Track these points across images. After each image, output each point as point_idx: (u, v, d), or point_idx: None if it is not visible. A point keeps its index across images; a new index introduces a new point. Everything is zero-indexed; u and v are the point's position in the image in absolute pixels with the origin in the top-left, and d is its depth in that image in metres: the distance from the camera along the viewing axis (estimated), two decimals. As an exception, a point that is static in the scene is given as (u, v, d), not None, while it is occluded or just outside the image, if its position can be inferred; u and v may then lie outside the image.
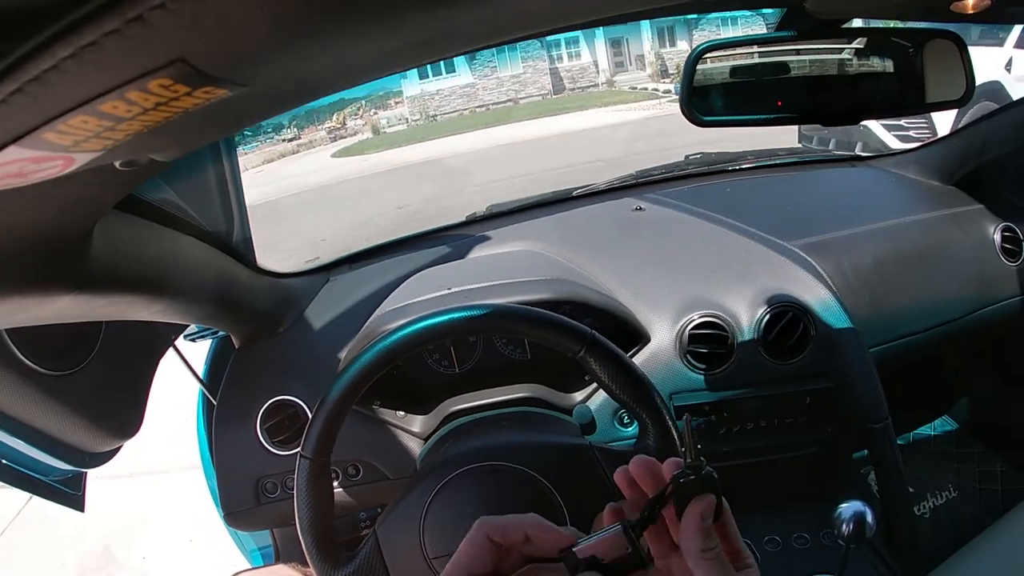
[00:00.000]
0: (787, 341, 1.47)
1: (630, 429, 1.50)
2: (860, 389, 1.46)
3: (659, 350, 1.48)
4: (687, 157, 2.27)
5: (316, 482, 0.95)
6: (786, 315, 1.47)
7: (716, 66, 1.12)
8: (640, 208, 1.86)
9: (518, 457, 0.97)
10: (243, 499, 1.42)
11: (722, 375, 1.47)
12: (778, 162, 2.16)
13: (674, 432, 0.97)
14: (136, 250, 0.86)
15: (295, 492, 0.95)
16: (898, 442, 2.17)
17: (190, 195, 1.36)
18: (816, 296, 1.51)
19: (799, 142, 5.94)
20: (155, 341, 1.38)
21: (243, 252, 1.44)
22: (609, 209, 1.93)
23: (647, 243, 1.72)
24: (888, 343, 1.65)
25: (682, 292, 1.52)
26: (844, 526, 1.16)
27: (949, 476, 2.12)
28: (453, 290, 1.43)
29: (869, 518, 1.16)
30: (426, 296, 1.43)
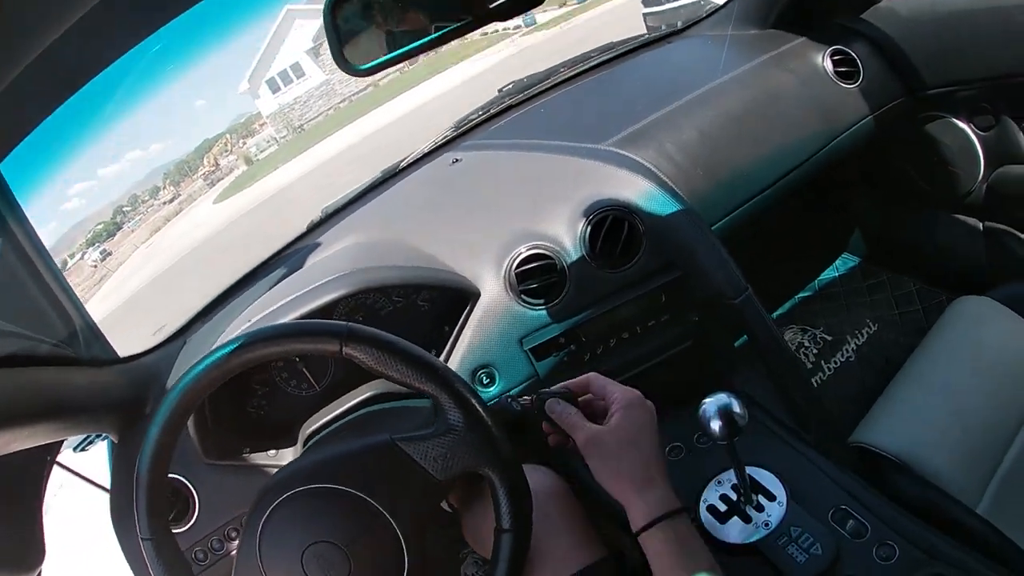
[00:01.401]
0: (617, 246, 1.32)
1: (491, 388, 1.36)
2: (707, 268, 1.30)
3: (492, 301, 1.33)
4: (500, 91, 2.08)
5: (165, 559, 0.89)
6: (606, 220, 1.31)
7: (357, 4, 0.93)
8: (457, 160, 1.70)
9: (321, 475, 0.86)
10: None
11: (563, 302, 1.32)
12: (590, 65, 1.98)
13: (468, 397, 0.85)
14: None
15: (151, 574, 0.89)
16: (805, 293, 2.05)
17: (6, 313, 1.23)
18: (636, 190, 1.35)
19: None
20: (29, 469, 1.28)
21: (82, 350, 1.33)
22: (428, 171, 1.77)
23: (463, 194, 1.57)
24: (736, 209, 1.50)
25: (501, 234, 1.37)
26: (713, 425, 1.00)
27: (865, 312, 1.97)
28: (254, 319, 1.29)
29: (736, 408, 1.00)
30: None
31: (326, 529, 0.83)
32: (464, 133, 1.86)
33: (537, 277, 1.30)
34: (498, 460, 0.83)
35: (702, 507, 1.17)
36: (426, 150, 1.85)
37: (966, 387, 1.42)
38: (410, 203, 1.67)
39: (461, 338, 1.32)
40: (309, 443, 1.27)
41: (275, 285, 1.52)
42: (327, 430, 1.27)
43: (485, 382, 1.36)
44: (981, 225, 1.81)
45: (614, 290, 1.33)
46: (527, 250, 1.31)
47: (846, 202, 2.05)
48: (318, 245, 1.64)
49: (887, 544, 1.03)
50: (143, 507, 0.88)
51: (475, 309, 1.32)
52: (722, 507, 1.16)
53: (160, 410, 0.87)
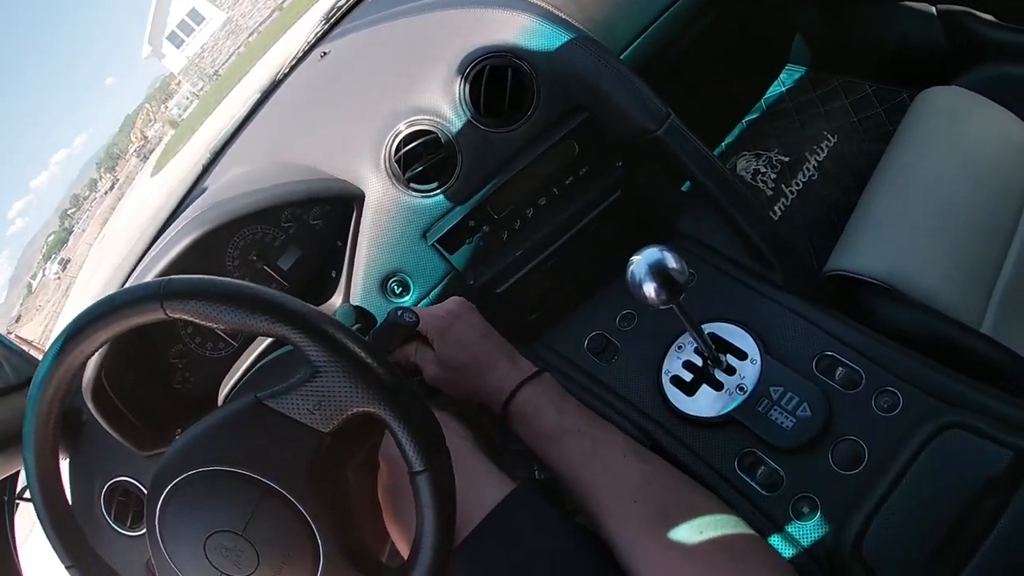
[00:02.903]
0: (503, 99, 1.06)
1: (407, 297, 1.15)
2: (618, 101, 1.04)
3: (379, 199, 1.09)
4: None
5: None
6: (484, 71, 1.05)
7: None
8: (325, 53, 1.41)
9: (193, 457, 0.69)
10: None
11: (460, 180, 1.08)
12: None
13: (324, 327, 0.65)
14: None
15: None
16: (752, 115, 1.77)
17: None
18: (515, 29, 1.08)
19: None
20: None
21: (10, 376, 1.23)
22: (299, 75, 1.49)
23: (334, 89, 1.31)
24: (645, 31, 1.22)
25: (373, 119, 1.11)
26: (647, 290, 0.77)
27: (821, 123, 1.70)
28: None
29: (671, 262, 0.76)
30: None
31: (216, 518, 0.68)
32: (335, 24, 1.55)
33: (423, 158, 1.06)
34: (383, 393, 0.65)
35: (665, 379, 0.97)
36: (299, 54, 1.54)
37: (948, 188, 1.19)
38: (285, 115, 1.41)
39: (357, 249, 1.12)
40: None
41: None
42: (237, 386, 1.08)
43: (398, 291, 1.14)
44: (934, 9, 1.53)
45: (515, 151, 1.08)
46: (405, 128, 1.07)
47: (778, 5, 1.74)
48: (204, 190, 1.39)
49: (887, 391, 0.84)
50: (53, 537, 0.77)
51: (364, 212, 1.10)
52: (687, 376, 0.95)
53: (25, 431, 0.74)
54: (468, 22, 1.12)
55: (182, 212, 1.41)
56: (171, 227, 1.27)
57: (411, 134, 1.06)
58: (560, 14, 1.12)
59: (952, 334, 1.00)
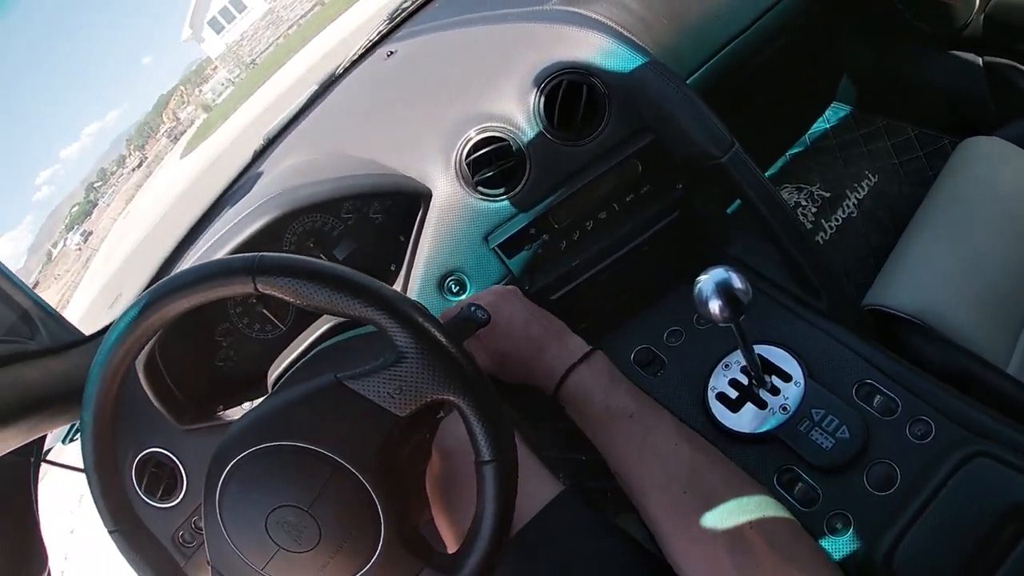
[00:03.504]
0: (577, 114, 1.07)
1: (463, 296, 1.16)
2: (686, 126, 1.05)
3: (446, 199, 1.11)
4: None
5: (136, 547, 0.80)
6: (561, 86, 1.07)
7: None
8: (391, 53, 1.45)
9: (267, 432, 0.70)
10: (171, 564, 1.16)
11: (526, 188, 1.10)
12: None
13: (414, 316, 0.66)
14: None
15: (129, 566, 0.80)
16: (795, 149, 1.79)
17: None
18: (591, 48, 1.10)
19: None
20: (15, 475, 1.20)
21: (46, 339, 1.20)
22: (362, 71, 1.52)
23: (401, 88, 1.33)
24: (711, 59, 1.23)
25: (445, 122, 1.13)
26: (712, 308, 0.79)
27: (863, 163, 1.72)
28: (191, 260, 1.15)
29: (737, 282, 0.79)
30: None
31: (283, 492, 0.69)
32: (400, 24, 1.58)
33: (492, 164, 1.07)
34: (463, 383, 0.67)
35: (711, 395, 0.98)
36: (361, 50, 1.57)
37: (983, 234, 1.21)
38: (348, 109, 1.43)
39: (419, 246, 1.13)
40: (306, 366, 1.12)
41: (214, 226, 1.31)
42: (289, 373, 1.11)
43: (455, 290, 1.16)
44: (980, 60, 1.55)
45: (582, 166, 1.10)
46: (476, 134, 1.08)
47: (831, 45, 1.77)
48: (260, 175, 1.42)
49: (921, 420, 0.86)
50: (99, 498, 0.77)
51: (429, 211, 1.11)
52: (732, 393, 0.97)
53: (87, 392, 0.75)
54: (545, 36, 1.14)
55: (233, 195, 1.44)
56: (231, 209, 1.30)
57: (483, 139, 1.07)
58: (632, 37, 1.14)
59: (979, 371, 1.02)
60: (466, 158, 1.08)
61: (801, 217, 1.65)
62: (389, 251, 1.19)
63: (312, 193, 1.07)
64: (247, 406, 1.17)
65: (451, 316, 0.83)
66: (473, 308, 0.82)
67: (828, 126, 1.82)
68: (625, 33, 1.14)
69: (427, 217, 1.11)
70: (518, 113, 1.08)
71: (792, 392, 0.93)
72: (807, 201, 1.67)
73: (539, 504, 0.83)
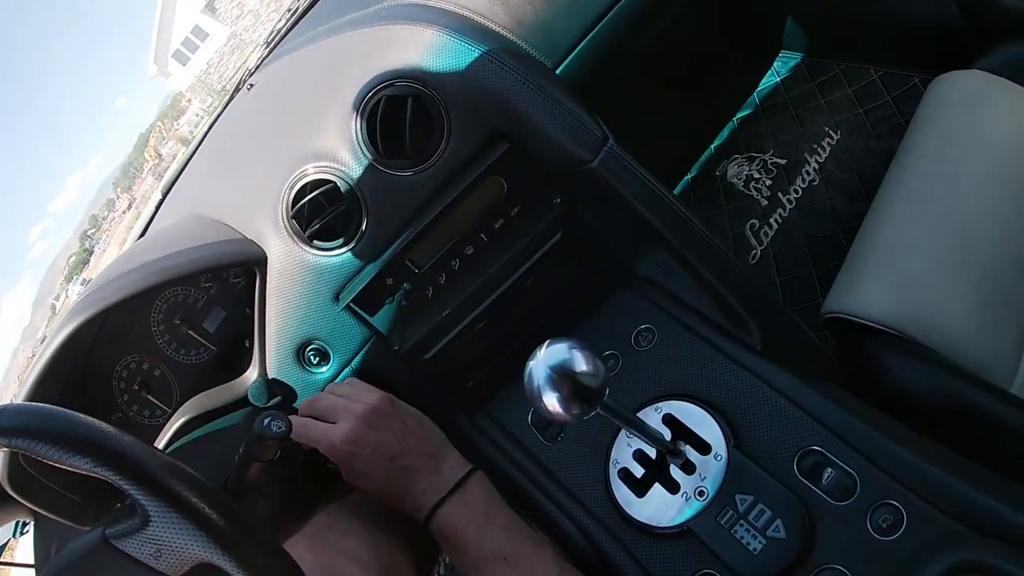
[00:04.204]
0: (405, 135, 0.84)
1: (326, 366, 0.96)
2: (545, 123, 0.82)
3: (282, 260, 0.91)
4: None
5: None
6: (379, 104, 0.84)
7: None
8: (251, 86, 1.22)
9: None
10: None
11: (369, 232, 0.88)
12: None
13: (154, 473, 0.55)
14: None
15: None
16: (744, 111, 1.52)
17: None
18: (418, 46, 0.86)
19: None
20: None
21: None
22: (230, 110, 1.31)
23: (250, 129, 1.12)
24: (596, 25, 0.98)
25: (275, 167, 0.92)
26: (550, 405, 0.57)
27: (821, 118, 1.45)
28: None
29: (581, 364, 0.56)
30: None
31: None
32: (272, 48, 1.36)
33: (324, 212, 0.87)
34: (223, 545, 0.56)
35: (612, 472, 0.76)
36: (234, 87, 1.36)
37: (972, 201, 0.95)
38: (210, 160, 1.24)
39: (267, 317, 0.94)
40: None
41: None
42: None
43: (315, 361, 0.96)
44: (947, -23, 1.27)
45: (429, 195, 0.87)
46: (298, 180, 0.88)
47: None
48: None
49: (888, 504, 0.61)
50: None
51: (268, 277, 0.93)
52: (638, 471, 0.74)
53: None
54: (369, 44, 0.91)
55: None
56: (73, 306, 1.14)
57: (308, 184, 0.86)
58: (484, 21, 0.91)
59: (975, 397, 0.76)
60: (291, 208, 0.87)
61: (755, 192, 1.39)
62: (246, 323, 1.00)
63: (134, 281, 0.89)
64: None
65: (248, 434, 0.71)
66: (268, 420, 0.69)
67: (777, 79, 1.55)
68: (475, 18, 0.91)
69: (268, 284, 0.92)
70: (341, 146, 0.85)
71: (712, 469, 0.69)
72: (760, 172, 1.40)
73: None
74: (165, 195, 1.36)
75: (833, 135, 1.39)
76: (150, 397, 1.06)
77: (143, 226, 1.40)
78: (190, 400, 0.98)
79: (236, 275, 1.02)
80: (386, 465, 0.79)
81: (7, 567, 1.26)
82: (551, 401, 0.55)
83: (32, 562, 1.24)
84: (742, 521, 0.65)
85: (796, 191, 1.36)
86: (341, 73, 0.90)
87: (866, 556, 0.60)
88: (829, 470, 0.65)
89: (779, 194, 1.36)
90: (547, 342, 0.57)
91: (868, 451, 0.64)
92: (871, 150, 1.34)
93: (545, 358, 0.55)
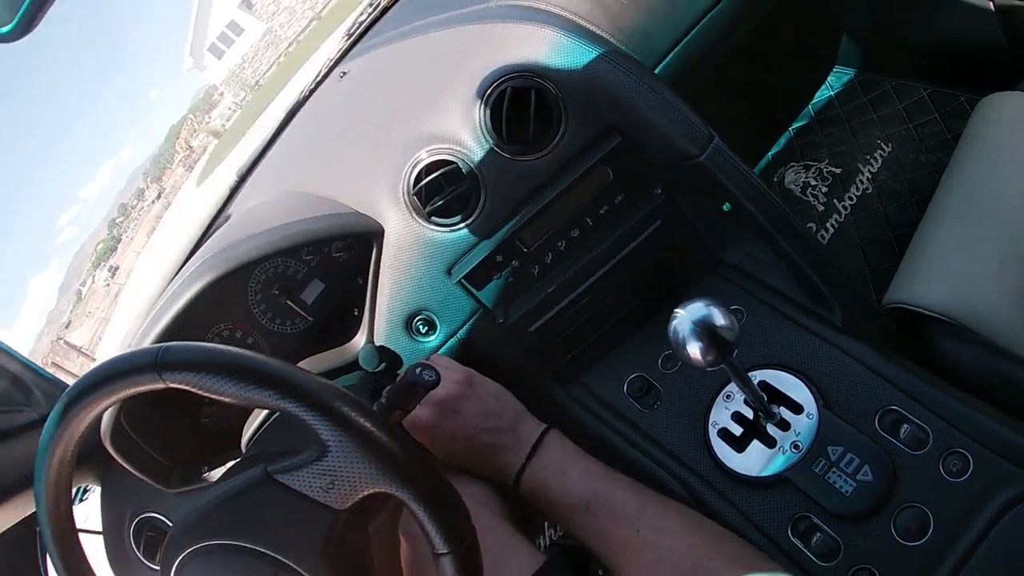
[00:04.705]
0: (528, 123, 0.97)
1: (433, 336, 1.09)
2: (658, 121, 0.95)
3: (400, 234, 1.02)
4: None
5: None
6: (505, 93, 0.97)
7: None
8: (344, 73, 1.35)
9: (207, 530, 0.65)
10: None
11: (485, 212, 1.00)
12: None
13: (333, 403, 0.60)
14: None
15: None
16: (799, 122, 1.68)
17: None
18: (538, 45, 0.99)
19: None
20: (19, 546, 1.22)
21: (42, 403, 1.21)
22: (319, 97, 1.43)
23: (352, 112, 1.24)
24: (685, 36, 1.13)
25: (390, 148, 1.04)
26: (691, 352, 0.69)
27: (874, 131, 1.61)
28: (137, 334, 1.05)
29: (718, 318, 0.68)
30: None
31: None
32: (357, 40, 1.50)
33: (444, 190, 0.99)
34: (400, 473, 0.61)
35: (712, 432, 0.88)
36: (319, 74, 1.49)
37: (1020, 208, 1.08)
38: (302, 142, 1.36)
39: (379, 287, 1.06)
40: (247, 451, 1.06)
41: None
42: (258, 435, 1.05)
43: (424, 330, 1.08)
44: (992, 4, 1.41)
45: (543, 181, 1.00)
46: (422, 160, 1.00)
47: (824, 4, 1.63)
48: (228, 218, 1.36)
49: (957, 452, 0.76)
50: (59, 569, 0.75)
51: (384, 249, 1.04)
52: (737, 430, 0.87)
53: (35, 494, 0.72)
54: (488, 39, 1.04)
55: (207, 240, 1.38)
56: (186, 266, 1.24)
57: (430, 164, 0.98)
58: (588, 25, 1.04)
59: (1019, 373, 0.90)
60: (413, 187, 0.99)
61: (811, 199, 1.54)
62: (353, 293, 1.11)
63: (256, 247, 1.00)
64: (231, 464, 1.09)
65: (398, 381, 0.76)
66: (419, 370, 0.76)
67: (831, 93, 1.70)
68: (580, 22, 1.04)
69: (383, 256, 1.04)
70: (464, 131, 0.98)
71: (804, 426, 0.82)
72: (816, 180, 1.56)
73: None
74: (243, 178, 1.47)
75: (885, 147, 1.55)
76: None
77: (213, 212, 1.47)
78: (304, 360, 1.09)
79: (338, 249, 1.12)
80: (466, 446, 0.88)
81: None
82: (693, 350, 0.68)
83: (92, 528, 1.28)
84: (834, 468, 0.78)
85: (851, 198, 1.51)
86: (459, 64, 1.03)
87: (941, 494, 0.74)
88: (906, 426, 0.79)
89: (835, 201, 1.51)
90: (689, 301, 0.71)
91: (938, 409, 0.79)
92: (921, 163, 1.49)
93: (689, 313, 0.69)
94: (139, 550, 1.14)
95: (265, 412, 1.06)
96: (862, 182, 1.53)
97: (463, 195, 0.99)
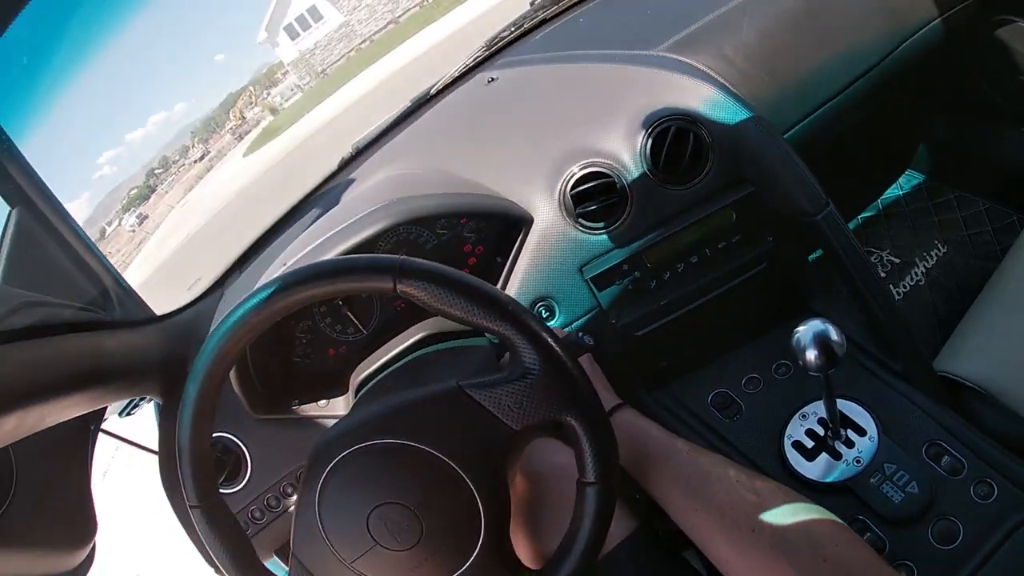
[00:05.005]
0: (682, 160, 1.18)
1: (551, 322, 1.26)
2: (784, 182, 1.17)
3: (547, 227, 1.21)
4: (532, 4, 1.90)
5: (216, 525, 0.83)
6: (669, 131, 1.18)
7: None
8: (493, 79, 1.56)
9: (384, 429, 0.75)
10: (246, 546, 1.24)
11: (625, 225, 1.20)
12: None
13: (543, 335, 0.72)
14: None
15: (204, 542, 0.83)
16: (868, 213, 1.91)
17: (39, 283, 1.17)
18: (699, 97, 1.21)
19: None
20: (75, 439, 1.24)
21: (117, 313, 1.28)
22: (462, 94, 1.64)
23: (505, 114, 1.44)
24: (807, 116, 1.36)
25: (551, 153, 1.24)
26: (809, 355, 0.90)
27: (933, 232, 1.84)
28: (290, 262, 1.21)
29: (834, 335, 0.89)
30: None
31: (393, 489, 0.73)
32: (497, 51, 1.72)
33: (595, 198, 1.18)
34: (582, 405, 0.72)
35: (787, 443, 1.09)
36: (457, 73, 1.71)
37: None
38: (447, 129, 1.54)
39: (516, 268, 1.22)
40: (361, 392, 1.18)
41: (309, 226, 1.42)
42: (379, 376, 1.17)
43: (544, 315, 1.25)
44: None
45: (680, 209, 1.20)
46: (582, 169, 1.18)
47: (911, 115, 1.90)
48: (351, 181, 1.54)
49: (985, 482, 0.97)
50: (188, 473, 0.81)
51: (529, 236, 1.21)
52: (808, 443, 1.07)
53: (197, 365, 0.78)
54: (655, 82, 1.25)
55: (322, 197, 1.57)
56: (328, 210, 1.41)
57: (589, 174, 1.16)
58: (733, 89, 1.25)
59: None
60: (571, 190, 1.17)
61: (871, 281, 1.78)
62: (475, 271, 1.29)
63: (424, 206, 1.18)
64: (323, 403, 1.26)
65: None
66: (580, 334, 0.86)
67: (901, 193, 1.95)
68: (728, 85, 1.25)
69: (526, 242, 1.20)
70: (624, 152, 1.19)
71: (866, 446, 1.03)
72: (876, 265, 1.79)
73: (619, 536, 0.90)
74: (359, 152, 1.68)
75: (941, 248, 1.78)
76: (350, 314, 1.31)
77: (320, 179, 1.65)
78: (425, 321, 1.23)
79: (470, 229, 1.30)
80: None
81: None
82: (810, 355, 0.88)
83: (145, 444, 1.41)
84: (888, 481, 0.99)
85: (905, 287, 1.73)
86: (625, 97, 1.24)
87: (970, 511, 0.95)
88: (946, 457, 1.01)
89: (890, 286, 1.73)
90: (812, 318, 0.91)
91: (973, 447, 1.01)
92: (971, 267, 1.72)
93: (813, 325, 0.89)
94: None
95: (383, 360, 1.20)
96: (917, 274, 1.76)
97: (611, 206, 1.18)
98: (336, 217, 1.28)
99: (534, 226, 1.21)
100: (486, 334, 1.20)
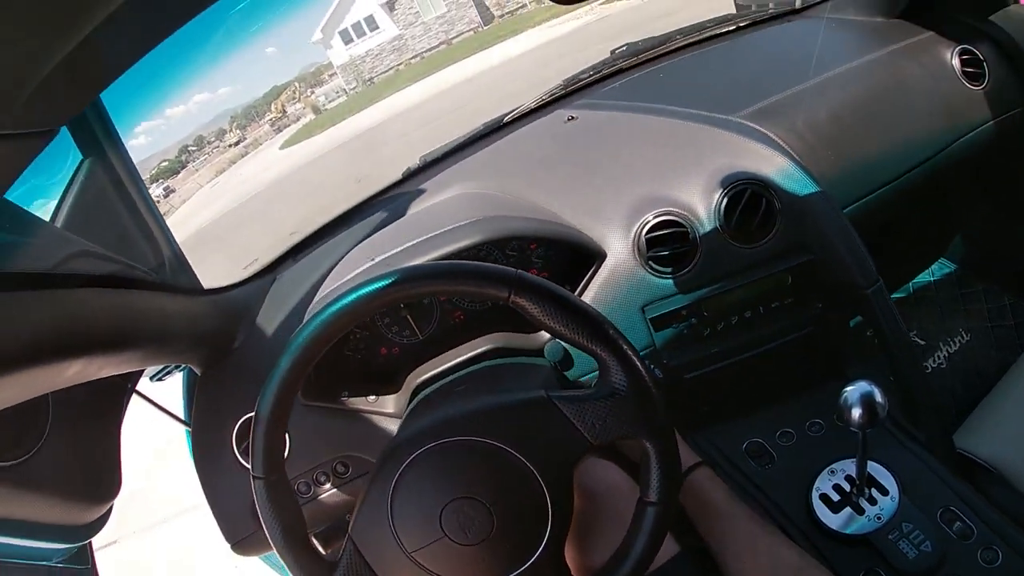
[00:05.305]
0: (752, 221, 1.32)
1: None
2: (842, 254, 1.30)
3: (618, 264, 1.33)
4: (613, 52, 2.06)
5: (277, 500, 0.86)
6: (745, 193, 1.31)
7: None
8: (572, 118, 1.68)
9: (472, 427, 0.82)
10: (243, 525, 1.34)
11: (691, 273, 1.32)
12: (708, 35, 1.94)
13: (635, 360, 0.80)
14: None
15: (260, 515, 0.86)
16: (899, 295, 2.07)
17: (99, 236, 1.21)
18: (774, 166, 1.35)
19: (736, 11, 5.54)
20: (111, 396, 1.28)
21: (169, 279, 1.35)
22: (540, 127, 1.76)
23: (585, 153, 1.55)
24: (863, 197, 1.50)
25: (630, 196, 1.36)
26: (854, 412, 1.01)
27: (959, 320, 1.99)
28: (376, 259, 1.30)
29: (878, 397, 1.01)
30: (354, 273, 1.30)
31: (471, 484, 0.79)
32: (574, 92, 1.86)
33: (667, 244, 1.30)
34: (658, 429, 0.79)
35: (814, 495, 1.20)
36: (533, 106, 1.84)
37: None
38: (525, 158, 1.65)
39: (583, 297, 1.32)
40: (419, 394, 1.26)
41: (378, 229, 1.52)
42: (440, 382, 1.26)
43: None
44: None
45: (743, 267, 1.32)
46: (659, 216, 1.31)
47: (954, 207, 2.06)
48: (421, 192, 1.64)
49: (991, 549, 1.09)
50: (261, 445, 0.85)
51: (600, 270, 1.32)
52: (835, 496, 1.19)
53: (297, 339, 0.83)
54: (734, 145, 1.38)
55: (388, 203, 1.68)
56: (409, 219, 1.53)
57: (664, 222, 1.29)
58: (805, 164, 1.38)
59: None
60: (646, 233, 1.29)
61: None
62: None
63: (517, 227, 1.28)
64: (372, 399, 1.34)
65: None
66: (652, 367, 0.97)
67: (932, 279, 2.10)
68: (798, 158, 1.39)
69: (597, 274, 1.31)
70: (700, 206, 1.31)
71: (887, 505, 1.15)
72: (906, 344, 1.95)
73: (665, 557, 0.90)
74: (426, 165, 1.81)
75: (965, 336, 1.92)
76: (409, 318, 1.40)
77: (384, 185, 1.77)
78: (494, 334, 1.34)
79: (538, 256, 1.41)
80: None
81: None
82: (856, 412, 1.01)
83: (173, 411, 1.46)
84: (904, 538, 1.11)
85: (927, 368, 1.87)
86: (706, 156, 1.37)
87: (975, 574, 1.08)
88: (959, 523, 1.13)
89: (915, 365, 1.90)
90: (859, 379, 1.04)
91: (983, 517, 1.13)
92: (991, 357, 1.86)
93: (860, 386, 1.02)
94: (237, 447, 1.32)
95: (440, 369, 1.31)
96: (939, 357, 1.90)
97: (681, 254, 1.30)
98: (423, 224, 1.39)
99: (606, 261, 1.32)
100: (547, 353, 1.32)
